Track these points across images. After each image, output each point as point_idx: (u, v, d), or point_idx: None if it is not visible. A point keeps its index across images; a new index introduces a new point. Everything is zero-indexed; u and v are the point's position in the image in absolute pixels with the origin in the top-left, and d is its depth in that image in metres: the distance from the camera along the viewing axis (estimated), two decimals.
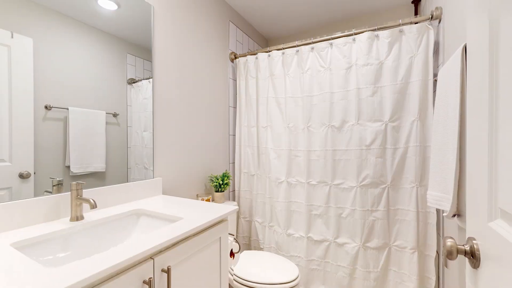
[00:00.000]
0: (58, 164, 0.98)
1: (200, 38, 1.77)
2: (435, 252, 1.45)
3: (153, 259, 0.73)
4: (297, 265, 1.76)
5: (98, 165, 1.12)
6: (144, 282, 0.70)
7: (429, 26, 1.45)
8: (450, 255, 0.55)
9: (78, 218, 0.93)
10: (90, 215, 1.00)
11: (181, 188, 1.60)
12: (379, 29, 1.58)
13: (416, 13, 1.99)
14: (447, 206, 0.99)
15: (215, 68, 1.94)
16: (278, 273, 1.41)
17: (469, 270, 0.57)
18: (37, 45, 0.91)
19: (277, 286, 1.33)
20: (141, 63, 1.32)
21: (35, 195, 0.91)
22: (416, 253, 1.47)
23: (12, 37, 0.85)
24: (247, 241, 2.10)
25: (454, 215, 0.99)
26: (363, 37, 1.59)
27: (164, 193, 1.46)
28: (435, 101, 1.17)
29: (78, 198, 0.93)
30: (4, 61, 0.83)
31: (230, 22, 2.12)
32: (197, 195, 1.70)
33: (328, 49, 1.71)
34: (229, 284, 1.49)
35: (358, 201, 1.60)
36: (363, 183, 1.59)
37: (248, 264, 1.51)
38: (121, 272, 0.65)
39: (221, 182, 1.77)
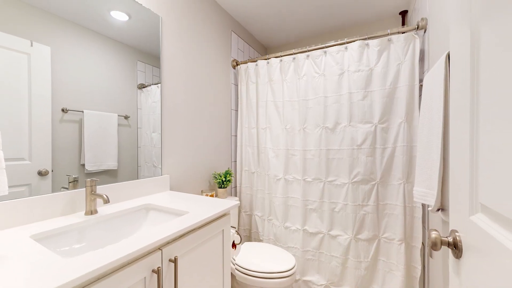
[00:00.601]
0: (74, 162, 0.98)
1: (205, 46, 1.77)
2: (421, 243, 1.45)
3: (161, 250, 0.73)
4: (294, 255, 1.76)
5: (111, 164, 1.12)
6: (153, 271, 0.70)
7: (415, 35, 1.45)
8: (434, 246, 0.55)
9: (92, 212, 0.93)
10: (103, 210, 1.00)
11: (187, 184, 1.60)
12: (369, 38, 1.58)
13: (403, 24, 1.98)
14: (432, 201, 0.99)
15: (218, 74, 1.94)
16: (277, 263, 1.41)
17: (452, 260, 0.57)
18: (55, 53, 0.91)
19: (276, 275, 1.33)
20: (150, 70, 1.31)
21: (53, 191, 0.91)
22: (403, 244, 1.48)
23: (31, 45, 0.85)
24: (248, 233, 2.10)
25: (438, 209, 0.99)
26: (355, 46, 1.59)
27: (171, 189, 1.46)
28: (421, 105, 1.17)
29: (92, 194, 0.93)
30: (24, 68, 0.84)
31: (232, 32, 2.12)
32: (201, 191, 1.70)
33: (322, 56, 1.71)
34: (231, 273, 1.49)
35: (350, 196, 1.60)
36: (354, 180, 1.59)
37: (249, 255, 1.51)
38: (132, 262, 0.65)
39: (224, 179, 1.77)
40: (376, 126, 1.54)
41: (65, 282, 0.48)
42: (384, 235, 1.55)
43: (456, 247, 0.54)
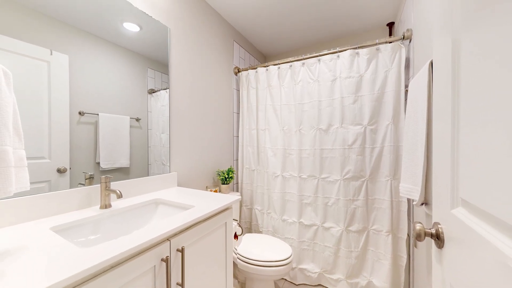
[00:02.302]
0: (90, 160, 0.98)
1: (209, 55, 1.77)
2: (406, 234, 1.45)
3: (170, 241, 0.73)
4: (291, 245, 1.75)
5: (124, 162, 1.12)
6: (162, 260, 0.70)
7: (401, 45, 1.44)
8: (419, 237, 0.55)
9: (106, 206, 0.93)
10: (116, 204, 1.00)
11: (193, 181, 1.59)
12: (359, 47, 1.58)
13: (390, 34, 1.98)
14: (416, 196, 0.99)
15: (221, 80, 1.94)
16: (275, 253, 1.41)
17: (435, 250, 0.57)
18: (72, 60, 0.91)
19: (274, 263, 1.33)
20: (159, 76, 1.31)
21: (71, 187, 0.91)
22: (390, 236, 1.47)
23: (51, 54, 0.85)
24: (249, 226, 2.10)
25: (422, 204, 0.99)
26: (346, 54, 1.59)
27: (178, 185, 1.46)
28: (406, 108, 1.17)
29: (107, 189, 0.93)
30: (45, 75, 0.84)
31: (234, 42, 2.12)
32: (206, 186, 1.70)
33: (316, 64, 1.71)
34: (233, 262, 1.49)
35: (341, 192, 1.60)
36: (346, 176, 1.59)
37: (250, 245, 1.51)
38: (142, 252, 0.65)
39: (226, 176, 1.77)
40: (365, 128, 1.54)
41: (82, 270, 0.48)
42: (373, 227, 1.55)
43: (438, 238, 0.54)
